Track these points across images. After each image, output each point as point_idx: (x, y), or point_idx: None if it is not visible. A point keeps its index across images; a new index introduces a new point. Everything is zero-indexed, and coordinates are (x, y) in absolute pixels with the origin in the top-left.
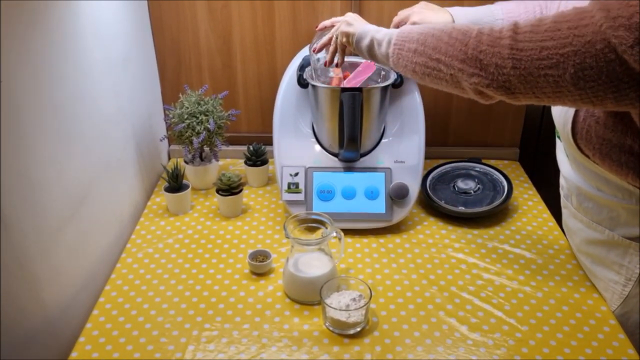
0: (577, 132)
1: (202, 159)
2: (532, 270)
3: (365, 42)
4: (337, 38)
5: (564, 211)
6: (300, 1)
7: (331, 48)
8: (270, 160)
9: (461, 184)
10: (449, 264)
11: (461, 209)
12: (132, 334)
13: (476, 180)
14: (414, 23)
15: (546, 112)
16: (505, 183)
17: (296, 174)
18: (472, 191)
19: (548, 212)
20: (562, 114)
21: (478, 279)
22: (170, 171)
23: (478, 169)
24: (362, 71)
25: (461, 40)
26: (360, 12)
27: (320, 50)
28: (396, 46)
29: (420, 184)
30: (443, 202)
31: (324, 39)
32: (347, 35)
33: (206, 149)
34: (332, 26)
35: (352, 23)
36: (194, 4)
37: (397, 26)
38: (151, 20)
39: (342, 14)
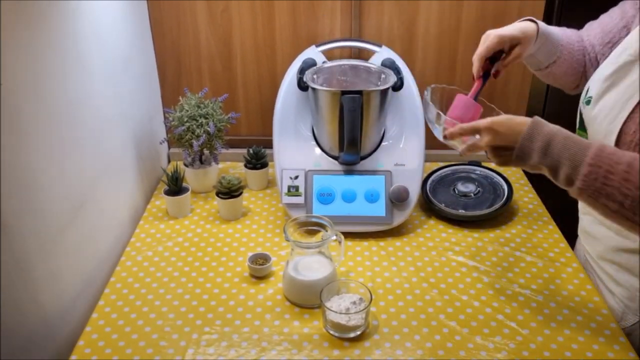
0: (622, 143)
1: (202, 162)
2: (533, 274)
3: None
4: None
5: (585, 218)
6: (301, 4)
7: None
8: (270, 163)
9: (461, 187)
10: (449, 267)
11: (461, 212)
12: (131, 337)
13: (476, 183)
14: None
15: (546, 115)
16: (505, 186)
17: (296, 177)
18: (472, 194)
19: (548, 215)
20: (606, 123)
21: (478, 282)
22: (170, 174)
23: (478, 172)
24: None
25: None
26: (361, 17)
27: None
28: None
29: (420, 186)
30: (443, 205)
31: (460, 130)
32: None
33: (206, 152)
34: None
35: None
36: (194, 7)
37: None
38: (151, 23)
39: (342, 17)
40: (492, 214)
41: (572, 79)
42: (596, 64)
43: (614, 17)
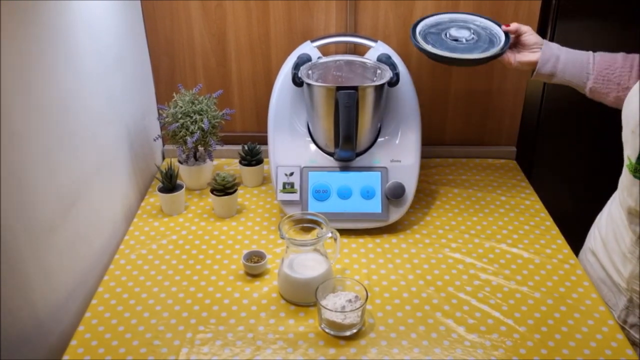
0: None
1: (196, 159)
2: (530, 270)
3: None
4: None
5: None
6: (295, 0)
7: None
8: (265, 159)
9: (454, 32)
10: (445, 264)
11: (446, 52)
12: (124, 336)
13: (472, 31)
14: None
15: (543, 112)
16: (503, 39)
17: (291, 174)
18: (464, 39)
19: (545, 211)
20: None
21: (475, 280)
22: (164, 171)
23: (478, 23)
24: None
25: None
26: (356, 12)
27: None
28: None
29: (416, 183)
30: (430, 46)
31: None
32: None
33: (200, 148)
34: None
35: None
36: (187, 3)
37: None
38: (144, 19)
39: (337, 12)
40: (481, 61)
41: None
42: None
43: None
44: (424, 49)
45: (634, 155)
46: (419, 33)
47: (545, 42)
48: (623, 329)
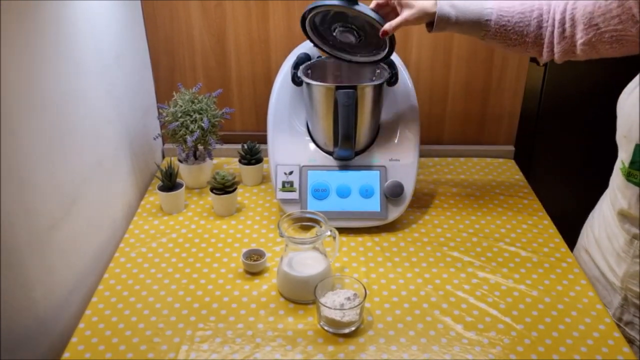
0: None
1: (196, 158)
2: (527, 269)
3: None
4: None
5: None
6: (295, 0)
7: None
8: (264, 158)
9: (340, 36)
10: (444, 262)
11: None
12: (125, 334)
13: (356, 33)
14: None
15: (542, 111)
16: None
17: (291, 173)
18: (350, 43)
19: (543, 210)
20: None
21: (473, 278)
22: (164, 170)
23: (364, 19)
24: None
25: None
26: None
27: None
28: None
29: (415, 182)
30: (318, 39)
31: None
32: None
33: (200, 147)
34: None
35: None
36: (187, 3)
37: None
38: (144, 19)
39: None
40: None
41: (522, 52)
42: (568, 40)
43: (609, 1)
44: (312, 40)
45: (627, 159)
46: (309, 21)
47: None
48: (618, 326)
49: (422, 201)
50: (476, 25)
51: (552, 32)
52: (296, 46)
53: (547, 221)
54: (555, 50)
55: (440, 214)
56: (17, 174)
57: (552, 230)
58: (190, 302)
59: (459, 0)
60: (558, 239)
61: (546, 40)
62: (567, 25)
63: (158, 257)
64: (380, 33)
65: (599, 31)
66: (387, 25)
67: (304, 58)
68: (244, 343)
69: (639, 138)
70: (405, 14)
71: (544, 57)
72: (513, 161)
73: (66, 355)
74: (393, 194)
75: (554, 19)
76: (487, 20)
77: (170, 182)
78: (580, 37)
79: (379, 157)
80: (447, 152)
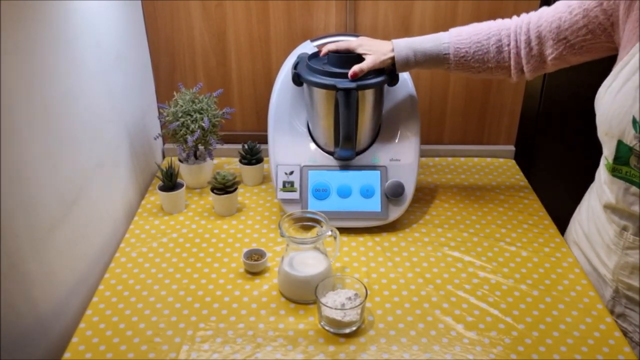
0: None
1: (196, 158)
2: (528, 269)
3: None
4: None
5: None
6: (295, 0)
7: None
8: (265, 158)
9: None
10: (444, 262)
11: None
12: (126, 334)
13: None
14: (360, 54)
15: (542, 111)
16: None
17: (291, 173)
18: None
19: (544, 210)
20: None
21: (474, 278)
22: (165, 170)
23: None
24: None
25: None
26: (355, 12)
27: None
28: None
29: (415, 182)
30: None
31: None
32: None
33: (201, 147)
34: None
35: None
36: (188, 3)
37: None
38: (145, 19)
39: (337, 12)
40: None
41: (490, 76)
42: (537, 57)
43: (574, 15)
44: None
45: (611, 156)
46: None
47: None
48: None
49: (423, 201)
50: (436, 61)
51: (518, 53)
52: (296, 46)
53: (548, 221)
54: (525, 69)
55: (441, 214)
56: (17, 174)
57: (553, 230)
58: (191, 302)
59: (414, 38)
60: (558, 239)
61: (512, 62)
62: (534, 43)
63: (159, 257)
64: (349, 75)
65: (569, 44)
66: (357, 67)
67: (305, 58)
68: (244, 343)
69: (621, 134)
70: (369, 61)
71: (514, 78)
72: (513, 161)
73: (67, 355)
74: (394, 194)
75: (517, 41)
76: (445, 54)
77: (170, 182)
78: (550, 53)
79: (379, 157)
80: (447, 152)
